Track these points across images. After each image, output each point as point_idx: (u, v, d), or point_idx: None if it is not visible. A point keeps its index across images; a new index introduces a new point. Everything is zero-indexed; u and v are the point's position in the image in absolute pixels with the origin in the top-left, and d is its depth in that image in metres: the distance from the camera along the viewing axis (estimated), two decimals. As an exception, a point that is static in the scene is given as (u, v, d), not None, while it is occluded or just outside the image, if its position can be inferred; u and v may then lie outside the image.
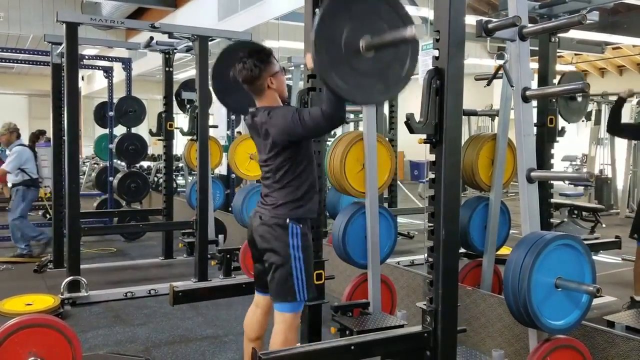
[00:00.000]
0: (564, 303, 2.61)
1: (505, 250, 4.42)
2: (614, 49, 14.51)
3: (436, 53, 2.50)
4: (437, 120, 2.45)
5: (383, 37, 2.23)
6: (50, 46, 5.86)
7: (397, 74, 2.36)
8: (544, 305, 2.54)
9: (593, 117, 10.52)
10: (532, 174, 2.67)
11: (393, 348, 2.55)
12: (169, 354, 3.77)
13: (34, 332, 2.91)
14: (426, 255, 2.62)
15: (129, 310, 4.69)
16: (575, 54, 12.10)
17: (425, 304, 2.59)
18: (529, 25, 2.64)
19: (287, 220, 2.70)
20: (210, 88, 3.28)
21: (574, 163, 12.55)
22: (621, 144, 10.28)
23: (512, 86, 2.58)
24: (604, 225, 7.47)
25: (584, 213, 7.57)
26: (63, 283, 4.72)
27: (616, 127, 4.54)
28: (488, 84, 3.17)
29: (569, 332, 2.68)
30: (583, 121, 10.77)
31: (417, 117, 2.47)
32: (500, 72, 3.26)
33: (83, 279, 4.80)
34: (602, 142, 10.71)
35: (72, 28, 4.79)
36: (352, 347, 2.38)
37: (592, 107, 10.53)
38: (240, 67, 2.68)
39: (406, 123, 2.43)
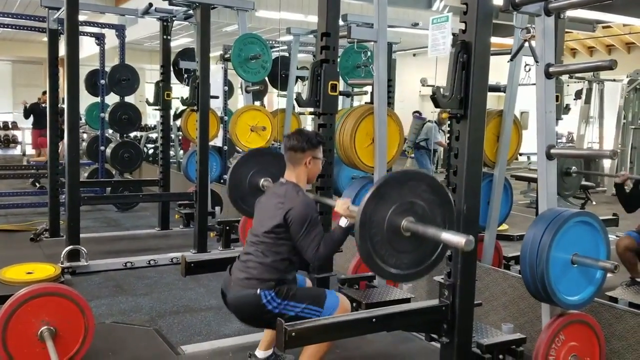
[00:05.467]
0: (579, 279, 2.66)
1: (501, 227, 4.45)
2: (604, 27, 14.56)
3: (462, 26, 2.47)
4: (463, 95, 2.44)
5: (426, 229, 2.25)
6: (46, 11, 5.69)
7: (424, 256, 2.39)
8: (561, 281, 2.58)
9: (583, 96, 10.58)
10: (552, 150, 2.68)
11: (412, 321, 2.57)
12: (175, 324, 3.78)
13: (47, 300, 2.89)
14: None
15: (130, 281, 4.67)
16: (566, 32, 12.08)
17: (443, 278, 2.61)
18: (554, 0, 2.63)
19: (258, 291, 2.63)
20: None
21: (560, 141, 12.65)
22: (610, 122, 10.38)
23: (536, 62, 2.58)
24: (594, 203, 7.58)
25: (573, 190, 7.67)
26: (63, 252, 4.68)
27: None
28: (511, 60, 3.15)
29: (582, 308, 2.73)
30: (574, 99, 10.89)
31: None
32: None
33: (83, 248, 4.76)
34: (590, 120, 10.81)
35: (73, -8, 4.66)
36: (374, 320, 2.39)
37: (582, 86, 10.61)
38: (293, 138, 2.86)
39: (432, 97, 2.42)
